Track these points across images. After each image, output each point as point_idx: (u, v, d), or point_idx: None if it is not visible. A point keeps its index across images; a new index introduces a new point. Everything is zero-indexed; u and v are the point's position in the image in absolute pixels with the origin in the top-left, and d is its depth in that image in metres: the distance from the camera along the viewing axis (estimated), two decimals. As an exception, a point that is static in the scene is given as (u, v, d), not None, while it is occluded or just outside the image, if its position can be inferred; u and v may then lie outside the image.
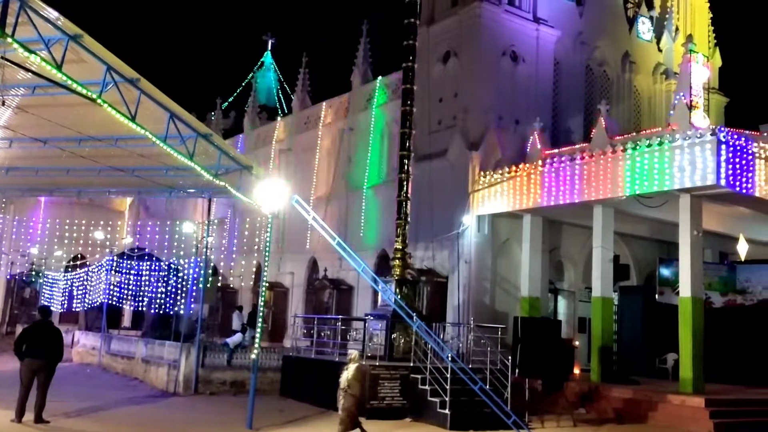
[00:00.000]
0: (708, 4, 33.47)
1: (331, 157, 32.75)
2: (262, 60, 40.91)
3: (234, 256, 33.08)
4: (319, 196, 32.33)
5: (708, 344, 18.91)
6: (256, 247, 29.08)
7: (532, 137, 23.84)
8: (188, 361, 18.88)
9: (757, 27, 48.19)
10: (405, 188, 19.38)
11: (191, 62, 79.82)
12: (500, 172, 23.21)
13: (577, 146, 22.57)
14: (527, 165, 22.55)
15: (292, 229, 31.80)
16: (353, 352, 13.00)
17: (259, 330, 14.53)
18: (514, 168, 22.81)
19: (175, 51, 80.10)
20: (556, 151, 22.81)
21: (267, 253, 15.01)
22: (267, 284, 16.17)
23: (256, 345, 14.29)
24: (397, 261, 18.95)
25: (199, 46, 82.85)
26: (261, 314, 15.00)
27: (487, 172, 23.66)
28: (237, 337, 20.09)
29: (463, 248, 23.57)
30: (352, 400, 12.03)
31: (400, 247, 19.01)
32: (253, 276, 31.15)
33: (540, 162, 22.04)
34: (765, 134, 20.66)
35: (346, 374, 12.19)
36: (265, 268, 15.23)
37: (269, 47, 42.75)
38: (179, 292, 25.21)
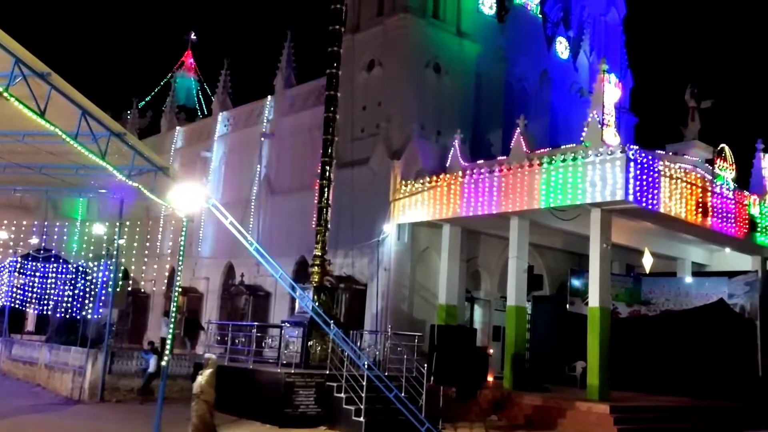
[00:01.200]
0: (622, 28, 34.98)
1: (252, 161, 32.30)
2: (182, 59, 40.13)
3: (146, 259, 32.10)
4: (238, 200, 31.80)
5: (614, 353, 19.65)
6: (169, 250, 28.33)
7: (453, 148, 24.22)
8: (95, 368, 18.18)
9: (666, 51, 50.79)
10: (326, 195, 19.32)
11: (108, 59, 77.18)
12: (421, 181, 23.48)
13: (496, 159, 23.10)
14: (448, 175, 22.90)
15: (209, 233, 31.18)
16: (210, 356, 12.78)
17: (170, 337, 14.11)
18: (434, 178, 23.12)
19: (91, 47, 77.33)
20: (476, 163, 23.25)
21: (181, 257, 14.62)
22: (180, 289, 15.74)
23: (167, 351, 13.87)
24: (315, 268, 18.85)
25: (117, 43, 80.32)
26: (173, 320, 14.58)
27: (409, 182, 23.89)
28: (153, 363, 18.76)
29: (383, 256, 23.68)
30: (205, 407, 11.78)
31: (320, 254, 18.93)
32: (166, 281, 30.31)
33: (460, 173, 22.43)
34: (670, 153, 21.74)
35: (200, 379, 11.93)
36: (179, 273, 14.83)
37: (190, 47, 41.97)
38: (87, 295, 24.21)
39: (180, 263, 14.71)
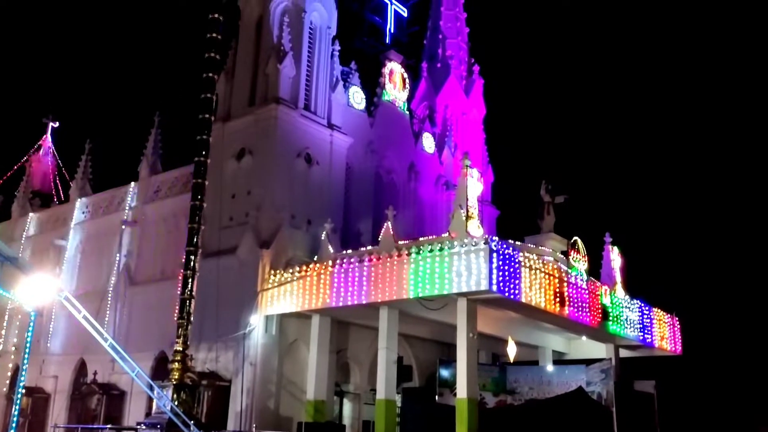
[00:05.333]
0: (482, 126, 37.17)
1: (111, 250, 30.65)
2: (39, 143, 38.21)
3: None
4: (95, 292, 29.84)
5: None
6: (14, 348, 25.97)
7: (323, 238, 24.19)
8: None
9: (523, 149, 54.32)
10: (190, 286, 18.59)
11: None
12: (291, 271, 23.13)
13: (365, 249, 23.26)
14: (317, 265, 22.72)
15: (59, 327, 28.94)
16: None
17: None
18: (304, 267, 22.87)
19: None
20: (346, 252, 23.30)
21: (26, 354, 13.36)
22: (24, 390, 14.32)
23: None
24: (176, 364, 17.90)
25: (-34, 122, 75.32)
26: (15, 423, 13.15)
27: (278, 271, 23.45)
28: None
29: (249, 350, 22.81)
30: None
31: (181, 349, 18.06)
32: (8, 381, 27.58)
33: (330, 262, 22.34)
34: (529, 245, 22.85)
35: None
36: (23, 371, 13.50)
37: (49, 130, 40.13)
38: None
39: (25, 361, 13.44)
